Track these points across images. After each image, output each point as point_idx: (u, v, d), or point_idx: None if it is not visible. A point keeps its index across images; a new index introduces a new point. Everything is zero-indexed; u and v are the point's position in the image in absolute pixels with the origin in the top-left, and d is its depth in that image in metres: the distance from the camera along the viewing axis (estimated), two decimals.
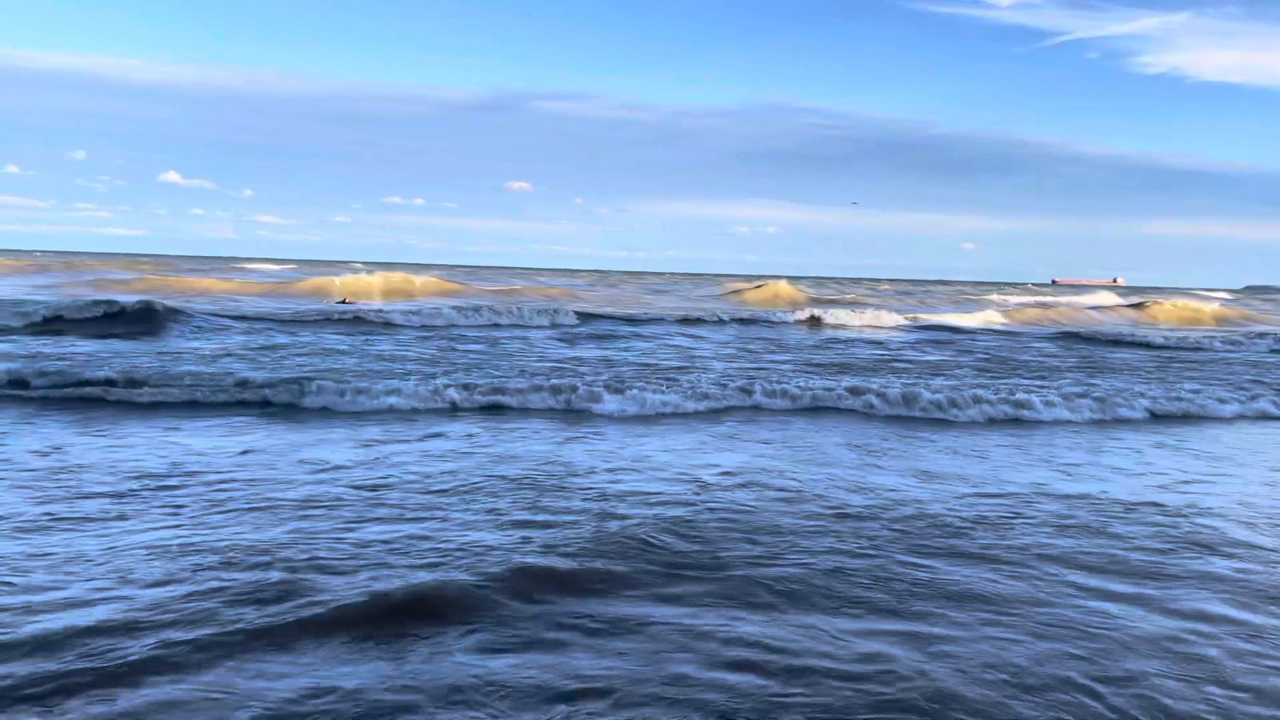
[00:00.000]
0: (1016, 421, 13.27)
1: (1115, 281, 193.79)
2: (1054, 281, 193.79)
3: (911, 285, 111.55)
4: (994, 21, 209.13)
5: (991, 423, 13.14)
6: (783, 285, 45.96)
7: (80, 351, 16.45)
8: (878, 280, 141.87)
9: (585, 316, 28.61)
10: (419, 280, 44.00)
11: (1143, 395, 14.82)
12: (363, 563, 5.96)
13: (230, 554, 6.04)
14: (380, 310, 27.89)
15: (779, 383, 14.45)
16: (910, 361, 20.53)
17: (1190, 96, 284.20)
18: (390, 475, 8.48)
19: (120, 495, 7.47)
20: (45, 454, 8.91)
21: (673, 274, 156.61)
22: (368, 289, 41.23)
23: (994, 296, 56.58)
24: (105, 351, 16.68)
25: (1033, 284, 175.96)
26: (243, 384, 12.86)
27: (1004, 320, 35.38)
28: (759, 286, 46.32)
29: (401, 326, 24.39)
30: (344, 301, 36.32)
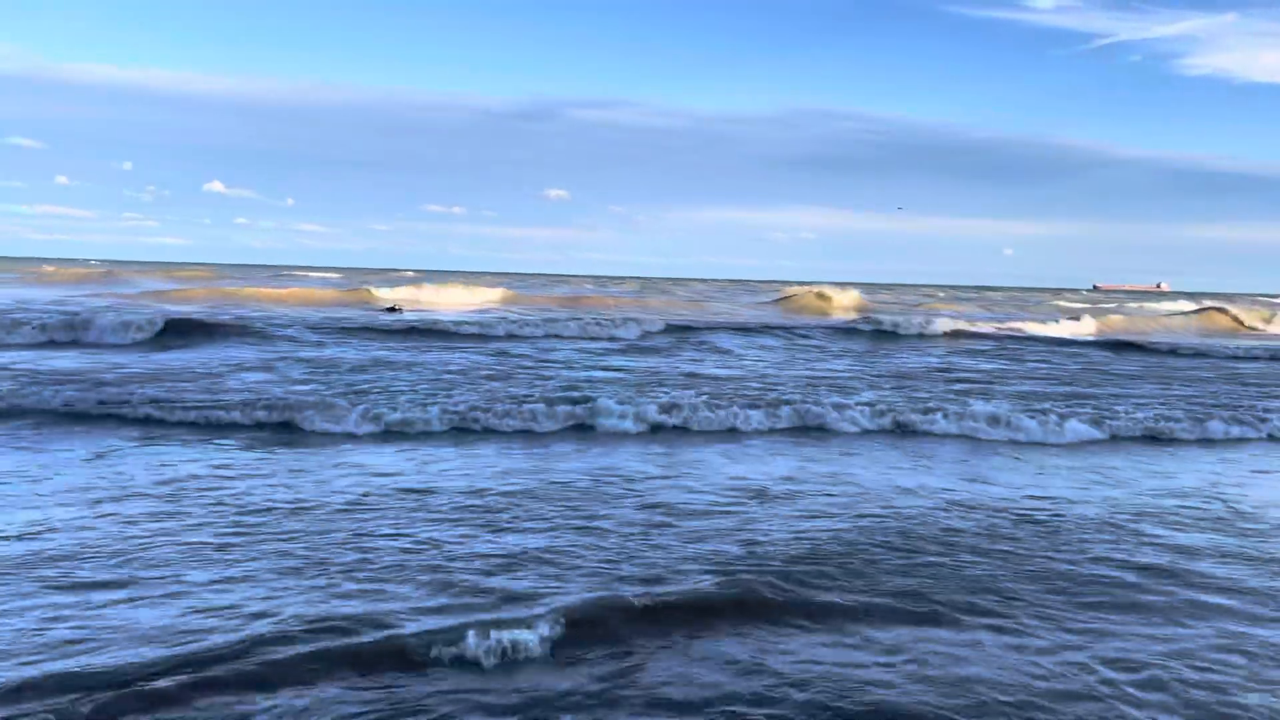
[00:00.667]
0: None
1: (1159, 287, 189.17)
2: (1095, 287, 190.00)
3: (960, 291, 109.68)
4: (1034, 24, 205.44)
5: None
6: (853, 293, 44.62)
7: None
8: (924, 286, 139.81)
9: (672, 328, 27.39)
10: (474, 289, 43.51)
11: None
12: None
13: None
14: (444, 320, 27.36)
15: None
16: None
17: (1236, 98, 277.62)
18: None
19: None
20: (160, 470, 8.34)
21: (716, 280, 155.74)
22: (419, 297, 40.78)
23: (1059, 302, 54.79)
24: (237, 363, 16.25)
25: (1087, 290, 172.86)
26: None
27: (1095, 330, 33.82)
28: (824, 295, 44.95)
29: (464, 337, 23.70)
30: (393, 309, 35.99)
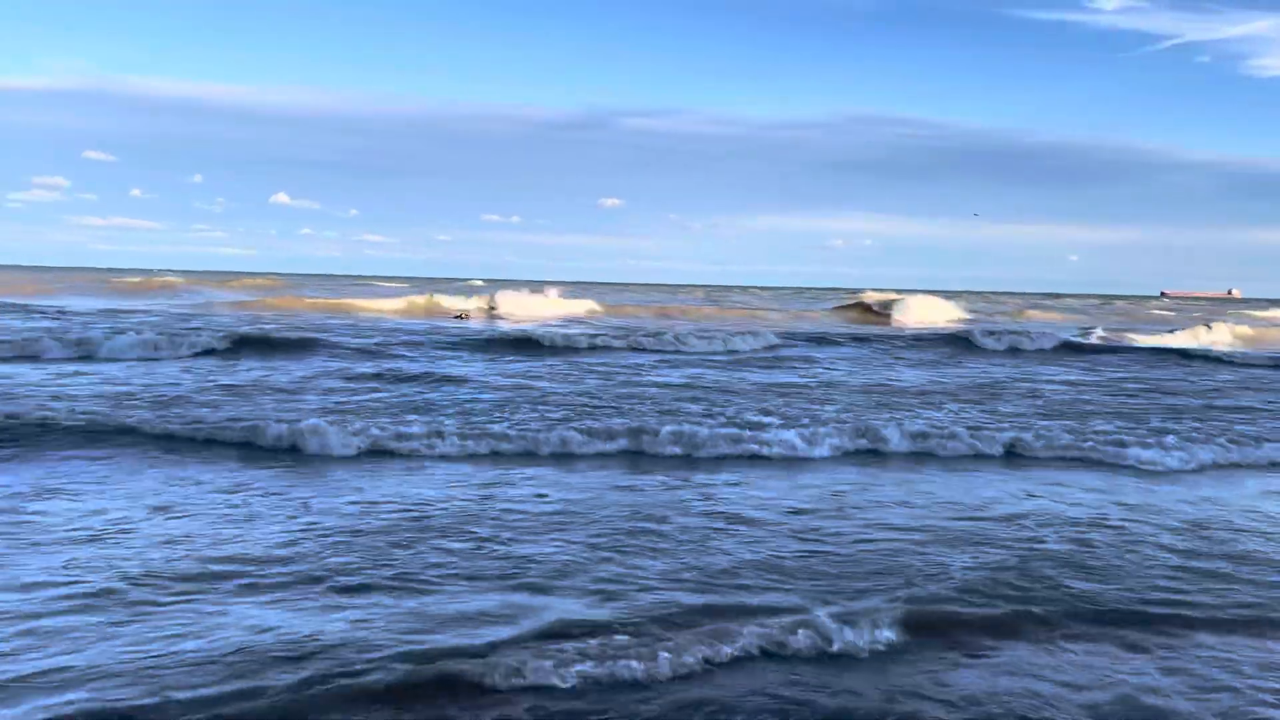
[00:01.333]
0: None
1: (1230, 293, 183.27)
2: (1163, 294, 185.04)
3: (1033, 299, 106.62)
4: (1097, 26, 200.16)
5: None
6: (935, 300, 43.20)
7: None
8: (987, 292, 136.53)
9: (793, 338, 26.29)
10: (557, 300, 42.57)
11: None
12: None
13: None
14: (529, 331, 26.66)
15: None
16: None
17: None
18: None
19: None
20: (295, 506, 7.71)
21: (776, 288, 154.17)
22: (513, 308, 39.86)
23: (1155, 310, 52.51)
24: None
25: (1155, 297, 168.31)
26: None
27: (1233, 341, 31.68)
28: (895, 303, 43.55)
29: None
30: (460, 317, 35.57)
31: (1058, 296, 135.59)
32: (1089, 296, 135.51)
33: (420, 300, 40.82)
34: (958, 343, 26.60)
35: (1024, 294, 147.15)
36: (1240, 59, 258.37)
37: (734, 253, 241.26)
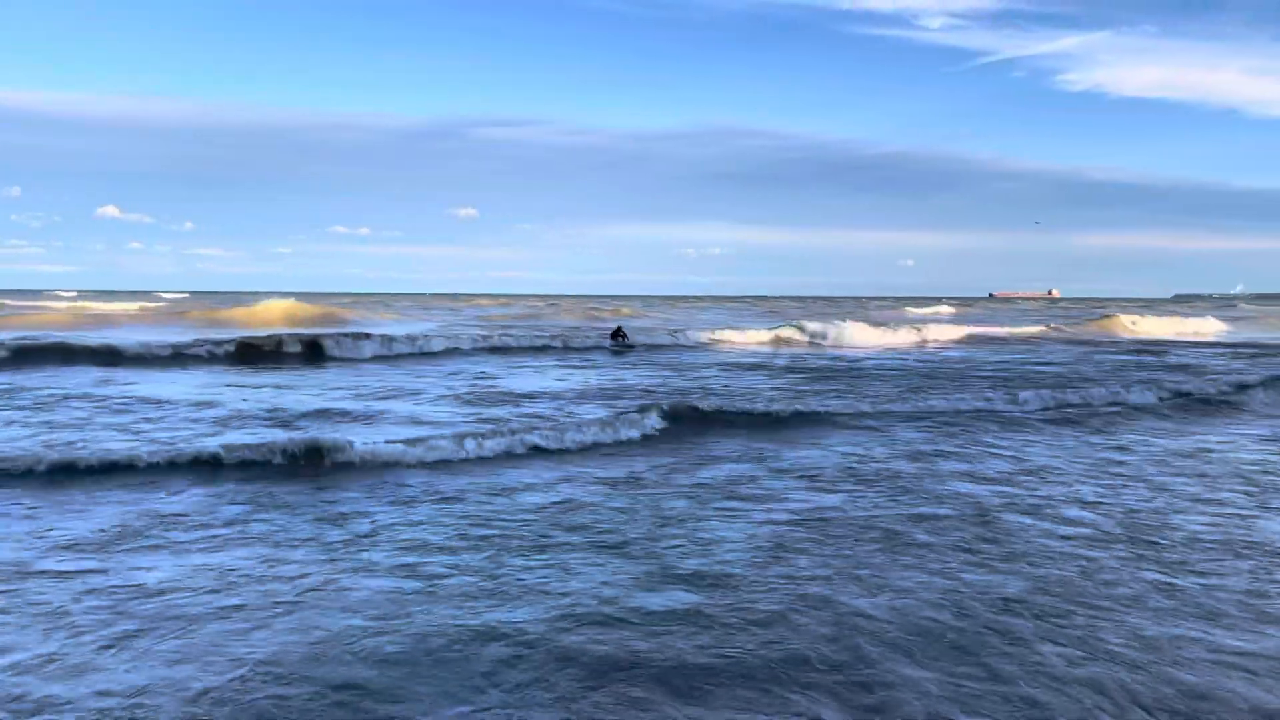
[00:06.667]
0: None
1: (1050, 294, 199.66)
2: (991, 295, 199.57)
3: (867, 301, 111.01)
4: (925, 42, 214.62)
5: None
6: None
7: None
8: (832, 298, 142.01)
9: None
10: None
11: None
12: None
13: None
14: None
15: None
16: None
17: (1112, 112, 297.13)
18: None
19: None
20: None
21: (628, 295, 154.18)
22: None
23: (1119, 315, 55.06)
24: None
25: (984, 298, 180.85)
26: None
27: None
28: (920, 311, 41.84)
29: None
30: (619, 335, 31.00)
31: (920, 300, 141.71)
32: (926, 300, 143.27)
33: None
34: None
35: (870, 298, 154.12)
36: (1051, 74, 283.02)
37: (586, 261, 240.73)
